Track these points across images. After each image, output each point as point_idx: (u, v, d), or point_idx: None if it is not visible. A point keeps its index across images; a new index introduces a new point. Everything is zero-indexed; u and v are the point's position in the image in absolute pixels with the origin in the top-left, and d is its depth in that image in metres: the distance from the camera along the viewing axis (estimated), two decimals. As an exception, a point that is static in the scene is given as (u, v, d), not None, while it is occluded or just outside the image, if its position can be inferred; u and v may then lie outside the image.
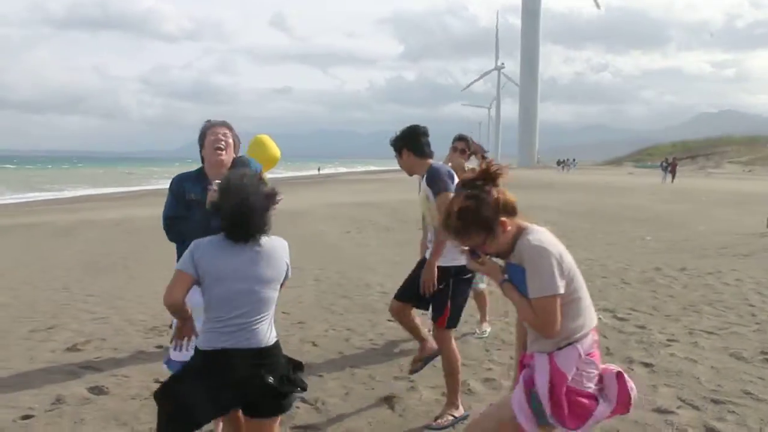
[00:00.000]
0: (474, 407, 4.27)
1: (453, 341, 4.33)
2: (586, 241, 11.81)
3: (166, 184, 4.46)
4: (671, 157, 50.33)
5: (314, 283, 8.58)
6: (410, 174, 4.53)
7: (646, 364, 5.01)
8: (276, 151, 6.77)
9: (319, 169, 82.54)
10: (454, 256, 3.96)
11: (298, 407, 4.22)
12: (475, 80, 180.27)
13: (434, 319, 4.31)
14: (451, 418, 4.13)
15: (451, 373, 4.26)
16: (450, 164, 5.28)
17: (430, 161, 4.39)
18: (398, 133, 4.44)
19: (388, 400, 4.48)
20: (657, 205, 20.50)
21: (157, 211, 4.78)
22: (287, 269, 2.90)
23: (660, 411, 4.09)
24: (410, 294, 4.44)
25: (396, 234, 13.14)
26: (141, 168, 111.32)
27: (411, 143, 4.36)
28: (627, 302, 7.00)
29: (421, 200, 4.51)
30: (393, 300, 4.60)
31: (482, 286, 6.18)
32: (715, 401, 4.23)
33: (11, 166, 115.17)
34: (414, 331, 4.61)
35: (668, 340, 5.62)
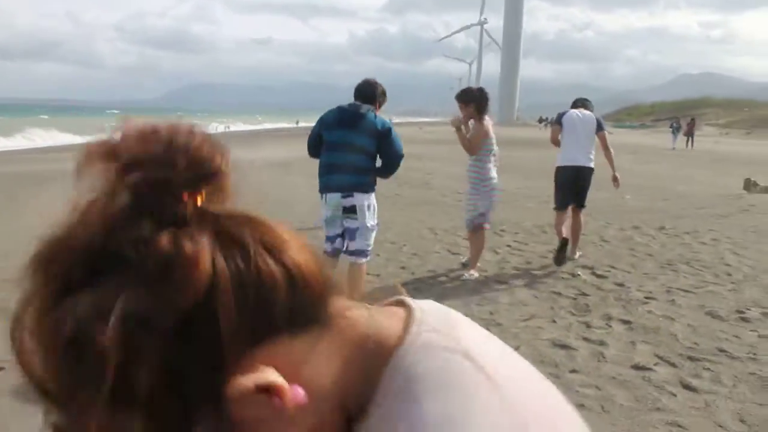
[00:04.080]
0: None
1: None
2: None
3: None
4: (689, 118, 43.59)
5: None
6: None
7: (625, 321, 5.05)
8: None
9: (297, 122, 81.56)
10: None
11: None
12: (455, 32, 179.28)
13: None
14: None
15: None
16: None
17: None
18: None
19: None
20: (636, 166, 20.62)
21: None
22: None
23: (638, 368, 4.13)
24: None
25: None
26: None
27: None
28: (606, 259, 7.04)
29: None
30: None
31: (487, 226, 6.46)
32: (691, 358, 4.28)
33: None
34: None
35: (646, 297, 5.67)
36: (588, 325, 4.98)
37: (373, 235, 5.13)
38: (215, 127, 66.34)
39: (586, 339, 4.69)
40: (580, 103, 7.35)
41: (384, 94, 5.22)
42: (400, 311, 0.66)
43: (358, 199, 4.92)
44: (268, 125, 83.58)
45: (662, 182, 15.05)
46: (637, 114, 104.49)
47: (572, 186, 6.99)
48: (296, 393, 0.55)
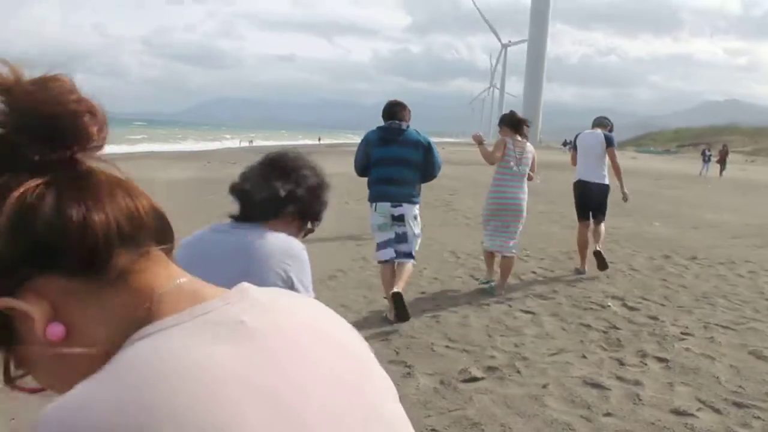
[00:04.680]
0: (475, 398, 3.94)
1: None
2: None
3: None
4: (721, 144, 40.72)
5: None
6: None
7: (661, 359, 4.68)
8: None
9: (319, 139, 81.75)
10: None
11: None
12: (481, 93, 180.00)
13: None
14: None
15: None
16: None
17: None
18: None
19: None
20: (663, 191, 20.15)
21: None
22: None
23: (678, 413, 3.77)
24: None
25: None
26: (147, 129, 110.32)
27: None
28: (636, 290, 6.66)
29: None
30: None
31: (514, 251, 6.63)
32: (737, 404, 3.91)
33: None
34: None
35: (682, 333, 5.30)
36: (621, 362, 4.62)
37: (419, 241, 5.74)
38: (239, 142, 66.76)
39: (619, 378, 4.34)
40: (597, 122, 7.73)
41: (410, 113, 5.68)
42: (228, 294, 0.68)
43: (406, 209, 5.45)
44: (289, 141, 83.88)
45: (690, 209, 14.59)
46: (661, 140, 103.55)
47: (587, 200, 7.40)
48: (54, 328, 0.61)
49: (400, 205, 5.45)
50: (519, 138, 6.53)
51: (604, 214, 7.38)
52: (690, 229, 11.15)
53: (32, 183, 0.61)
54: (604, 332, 5.31)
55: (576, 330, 5.36)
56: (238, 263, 1.89)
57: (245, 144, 65.69)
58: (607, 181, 7.31)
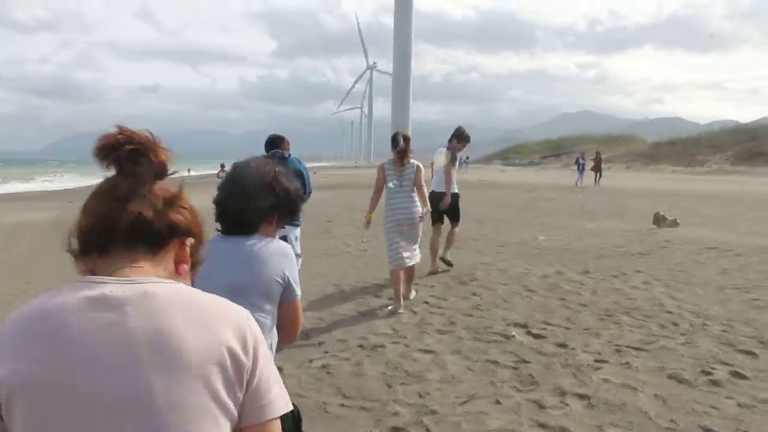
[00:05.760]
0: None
1: None
2: (476, 243, 11.11)
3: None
4: (594, 152, 39.46)
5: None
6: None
7: (582, 396, 4.17)
8: None
9: (189, 171, 78.77)
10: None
11: None
12: (350, 89, 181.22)
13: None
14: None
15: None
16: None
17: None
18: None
19: None
20: (538, 203, 20.43)
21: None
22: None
23: (619, 466, 3.23)
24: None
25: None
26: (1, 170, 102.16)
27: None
28: (538, 314, 6.21)
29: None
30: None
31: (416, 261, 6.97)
32: (678, 446, 3.44)
33: None
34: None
35: (596, 360, 4.84)
36: (540, 405, 4.07)
37: (300, 261, 5.47)
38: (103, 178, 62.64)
39: (542, 425, 3.78)
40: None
41: (289, 144, 6.57)
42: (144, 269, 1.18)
43: (288, 230, 5.76)
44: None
45: (570, 220, 14.67)
46: (525, 152, 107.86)
47: (435, 207, 8.07)
48: (184, 267, 1.25)
49: (282, 227, 5.20)
50: (399, 157, 6.84)
51: (452, 216, 8.72)
52: (575, 241, 11.03)
53: None
54: (514, 368, 4.77)
55: (483, 369, 4.79)
56: (245, 266, 2.32)
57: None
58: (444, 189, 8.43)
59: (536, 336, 5.51)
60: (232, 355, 1.09)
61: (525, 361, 4.89)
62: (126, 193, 1.18)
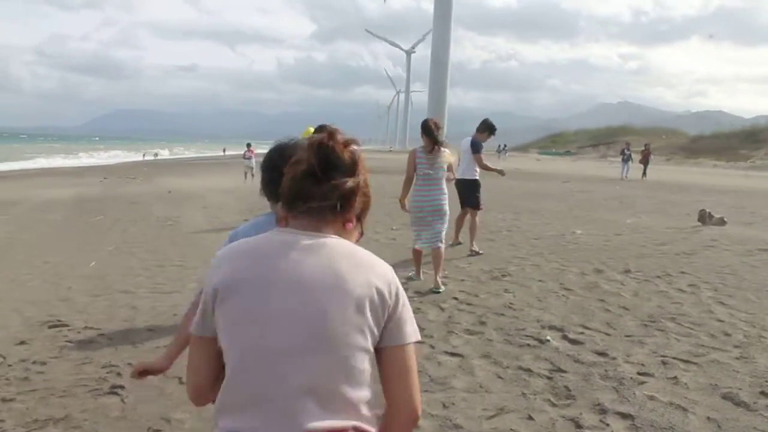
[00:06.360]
0: None
1: None
2: (510, 235, 10.63)
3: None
4: (643, 144, 37.00)
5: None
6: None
7: (624, 415, 3.73)
8: None
9: (224, 150, 79.09)
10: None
11: None
12: (382, 39, 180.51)
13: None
14: None
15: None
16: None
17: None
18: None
19: None
20: (574, 194, 19.80)
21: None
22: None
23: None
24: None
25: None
26: (44, 145, 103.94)
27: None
28: (575, 316, 5.76)
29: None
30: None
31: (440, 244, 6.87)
32: (737, 484, 2.99)
33: None
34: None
35: (639, 373, 4.39)
36: (578, 424, 3.64)
37: None
38: (142, 156, 63.42)
39: (580, 450, 3.36)
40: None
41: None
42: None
43: None
44: (193, 154, 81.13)
45: (608, 214, 14.07)
46: (562, 141, 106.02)
47: (460, 194, 9.00)
48: (350, 225, 1.58)
49: None
50: (430, 144, 6.78)
51: (475, 203, 9.08)
52: (613, 236, 10.48)
53: None
54: (549, 378, 4.34)
55: (514, 377, 4.37)
56: None
57: (149, 158, 62.49)
58: (473, 177, 9.00)
59: (573, 341, 5.07)
60: (380, 294, 1.46)
61: (561, 370, 4.46)
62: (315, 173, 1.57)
